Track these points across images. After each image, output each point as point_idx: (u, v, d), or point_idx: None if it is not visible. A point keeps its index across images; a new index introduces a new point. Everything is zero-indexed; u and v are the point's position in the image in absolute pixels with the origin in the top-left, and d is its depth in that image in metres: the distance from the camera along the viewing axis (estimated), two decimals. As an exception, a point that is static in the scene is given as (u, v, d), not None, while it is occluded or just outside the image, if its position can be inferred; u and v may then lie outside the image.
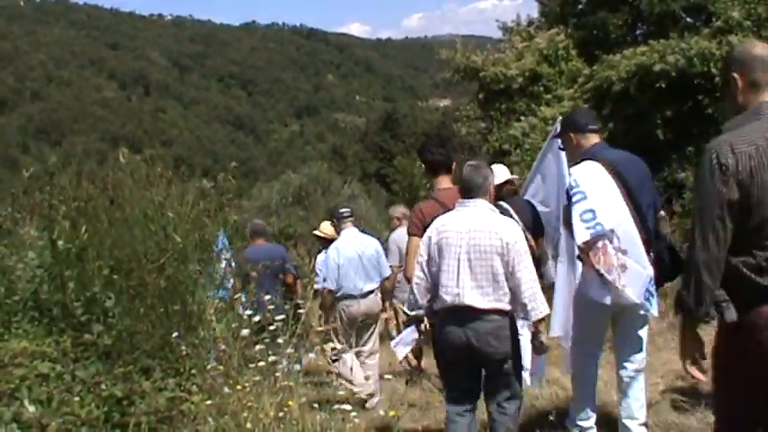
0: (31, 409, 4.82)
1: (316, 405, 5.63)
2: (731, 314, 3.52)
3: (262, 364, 5.61)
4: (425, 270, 5.67)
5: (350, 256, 9.10)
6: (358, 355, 9.10)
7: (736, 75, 3.81)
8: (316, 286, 9.15)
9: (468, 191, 5.66)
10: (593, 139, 5.91)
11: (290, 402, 5.27)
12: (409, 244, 6.45)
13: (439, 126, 64.95)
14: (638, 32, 20.39)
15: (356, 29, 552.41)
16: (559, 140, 6.54)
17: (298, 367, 6.33)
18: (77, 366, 5.53)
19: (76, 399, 5.17)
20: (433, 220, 5.83)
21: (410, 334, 6.21)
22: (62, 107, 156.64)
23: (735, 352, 3.58)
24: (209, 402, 5.45)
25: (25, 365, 5.30)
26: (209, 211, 7.53)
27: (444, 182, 6.65)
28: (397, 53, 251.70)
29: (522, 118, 19.37)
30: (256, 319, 6.13)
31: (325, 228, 10.64)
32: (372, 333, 9.41)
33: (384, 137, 74.74)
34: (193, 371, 5.95)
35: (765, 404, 3.51)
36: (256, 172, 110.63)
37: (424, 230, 5.86)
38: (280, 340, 5.91)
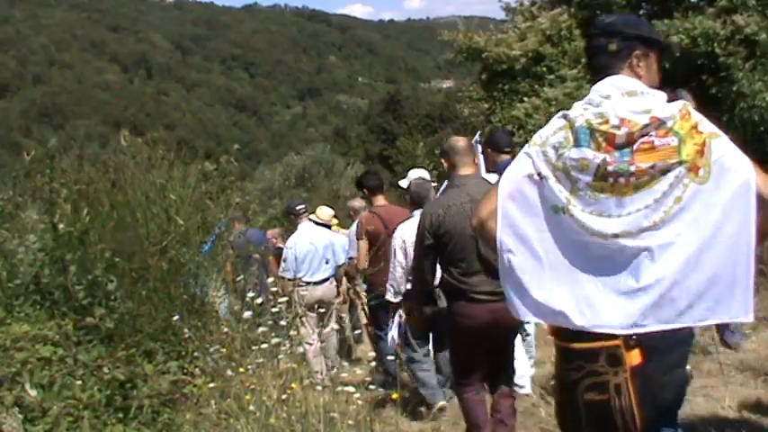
0: (33, 392, 4.82)
1: (319, 387, 5.62)
2: (442, 303, 5.79)
3: (265, 346, 5.60)
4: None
5: (305, 247, 9.87)
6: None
7: (443, 160, 6.00)
8: (280, 274, 9.76)
9: (418, 201, 7.35)
10: (505, 157, 7.32)
11: (294, 384, 5.26)
12: (357, 245, 8.84)
13: (442, 107, 64.95)
14: (641, 12, 20.25)
15: (358, 10, 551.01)
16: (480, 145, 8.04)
17: (301, 349, 6.33)
18: (79, 350, 5.53)
19: (78, 382, 5.17)
20: (371, 228, 8.64)
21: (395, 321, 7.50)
22: (64, 90, 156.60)
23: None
24: (211, 385, 5.46)
25: (27, 349, 5.30)
26: (212, 193, 7.53)
27: (380, 200, 9.04)
28: (399, 34, 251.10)
29: (526, 99, 19.31)
30: (259, 300, 6.14)
31: (323, 213, 10.86)
32: (330, 317, 10.26)
33: (387, 118, 74.71)
34: (196, 354, 5.94)
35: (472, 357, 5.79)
36: (259, 154, 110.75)
37: (366, 234, 8.67)
38: (283, 323, 5.92)
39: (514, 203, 3.24)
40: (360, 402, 5.23)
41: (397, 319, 7.45)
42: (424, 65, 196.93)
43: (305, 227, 10.23)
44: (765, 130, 13.95)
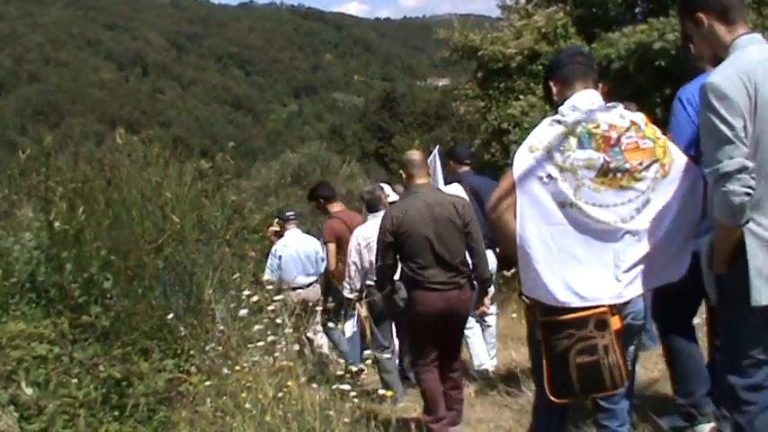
0: (29, 391, 4.82)
1: (315, 385, 5.62)
2: (402, 294, 6.51)
3: (261, 344, 5.60)
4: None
5: (291, 252, 10.35)
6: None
7: (401, 171, 6.93)
8: (265, 277, 9.86)
9: (371, 206, 8.53)
10: (465, 168, 8.76)
11: (290, 382, 5.26)
12: (327, 248, 9.67)
13: (437, 105, 64.93)
14: (637, 10, 20.25)
15: (354, 8, 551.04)
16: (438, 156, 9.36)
17: (296, 347, 6.34)
18: (75, 348, 5.53)
19: (74, 380, 5.17)
20: (340, 231, 9.40)
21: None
22: (60, 89, 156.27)
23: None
24: (207, 383, 5.45)
25: (23, 347, 5.30)
26: (208, 191, 7.52)
27: (336, 207, 10.01)
28: (395, 32, 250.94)
29: (521, 97, 19.28)
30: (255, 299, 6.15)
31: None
32: (314, 319, 10.31)
33: (383, 116, 74.70)
34: (192, 352, 5.94)
35: (427, 340, 6.61)
36: (255, 152, 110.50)
37: (335, 237, 9.46)
38: (278, 320, 5.92)
39: (528, 202, 3.83)
40: (356, 400, 5.24)
41: (356, 314, 8.91)
42: (419, 63, 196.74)
43: (293, 233, 10.74)
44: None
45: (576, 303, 3.78)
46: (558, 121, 3.92)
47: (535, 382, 4.39)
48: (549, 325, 3.83)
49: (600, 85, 4.19)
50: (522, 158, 3.90)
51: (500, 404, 7.19)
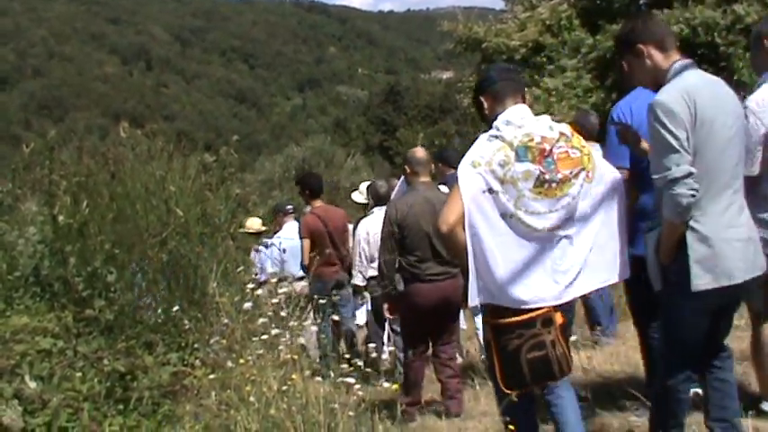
0: (33, 385, 4.81)
1: (319, 378, 5.62)
2: (400, 286, 7.07)
3: (265, 337, 5.60)
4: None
5: (294, 245, 10.35)
6: None
7: (406, 167, 7.41)
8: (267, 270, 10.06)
9: (377, 199, 9.24)
10: (453, 171, 8.54)
11: (294, 375, 5.25)
12: (302, 243, 9.95)
13: (442, 98, 64.88)
14: (641, 2, 20.22)
15: (358, 1, 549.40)
16: None
17: (301, 340, 6.35)
18: (79, 342, 5.52)
19: (78, 374, 5.16)
20: (315, 228, 9.82)
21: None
22: (64, 83, 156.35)
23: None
24: (212, 376, 5.45)
25: (27, 341, 5.29)
26: (212, 184, 7.52)
27: (318, 202, 10.22)
28: (399, 25, 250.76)
29: (525, 89, 19.28)
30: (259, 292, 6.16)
31: (253, 223, 11.66)
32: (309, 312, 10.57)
33: (387, 109, 74.71)
34: (196, 345, 5.94)
35: (421, 329, 7.19)
36: (259, 146, 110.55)
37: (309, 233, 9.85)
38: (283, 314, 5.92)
39: (475, 214, 4.13)
40: (360, 393, 5.24)
41: (367, 301, 9.48)
42: (423, 56, 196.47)
43: (291, 225, 11.09)
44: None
45: (523, 306, 4.16)
46: (496, 136, 4.24)
47: (489, 376, 4.92)
48: (499, 327, 4.23)
49: (527, 98, 4.61)
50: (466, 174, 4.19)
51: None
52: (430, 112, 65.29)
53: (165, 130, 9.99)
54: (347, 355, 6.18)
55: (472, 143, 4.35)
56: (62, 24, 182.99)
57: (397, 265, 7.12)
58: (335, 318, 9.30)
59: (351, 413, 4.95)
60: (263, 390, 5.03)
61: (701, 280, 4.05)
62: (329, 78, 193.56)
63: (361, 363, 5.79)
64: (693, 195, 3.93)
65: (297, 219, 11.31)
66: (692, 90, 4.05)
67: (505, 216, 4.15)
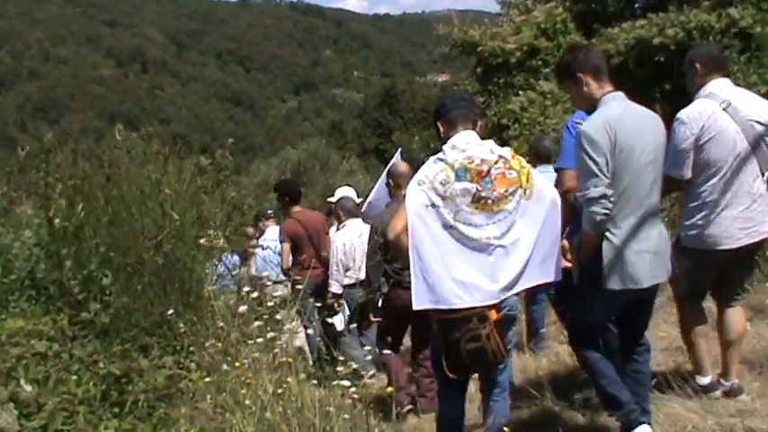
0: (28, 388, 4.81)
1: (315, 381, 5.63)
2: (385, 288, 7.46)
3: (260, 340, 5.60)
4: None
5: (267, 250, 10.78)
6: None
7: (389, 180, 8.00)
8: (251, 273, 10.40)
9: (348, 213, 9.80)
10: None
11: (290, 379, 5.26)
12: (282, 248, 10.32)
13: (437, 101, 64.91)
14: (636, 6, 20.27)
15: (353, 4, 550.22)
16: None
17: (297, 343, 6.36)
18: (75, 345, 5.52)
19: (74, 377, 5.16)
20: (295, 232, 10.20)
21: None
22: (59, 85, 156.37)
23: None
24: (207, 379, 5.45)
25: (22, 344, 5.29)
26: (207, 187, 7.52)
27: (297, 208, 10.58)
28: (394, 28, 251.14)
29: (521, 92, 19.29)
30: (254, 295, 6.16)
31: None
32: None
33: (382, 112, 74.72)
34: (192, 348, 5.94)
35: (399, 332, 7.89)
36: (254, 148, 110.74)
37: (289, 238, 10.21)
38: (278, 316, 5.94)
39: (418, 225, 4.79)
40: (355, 396, 5.25)
41: (344, 308, 9.75)
42: (419, 59, 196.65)
43: (272, 230, 11.41)
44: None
45: (461, 306, 4.78)
46: (441, 159, 4.90)
47: (434, 364, 5.41)
48: (442, 321, 4.87)
49: (478, 122, 5.23)
50: (413, 191, 4.88)
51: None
52: (426, 116, 65.06)
53: (160, 132, 9.98)
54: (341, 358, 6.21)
55: None
56: (58, 26, 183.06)
57: (383, 271, 7.58)
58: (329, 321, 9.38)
59: (346, 416, 4.96)
60: (259, 393, 5.03)
61: (611, 282, 4.85)
62: (325, 81, 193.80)
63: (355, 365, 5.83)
64: (606, 214, 4.71)
65: (278, 223, 11.67)
66: (613, 121, 4.79)
67: (446, 227, 4.80)
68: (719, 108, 5.53)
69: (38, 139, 7.40)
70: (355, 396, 5.24)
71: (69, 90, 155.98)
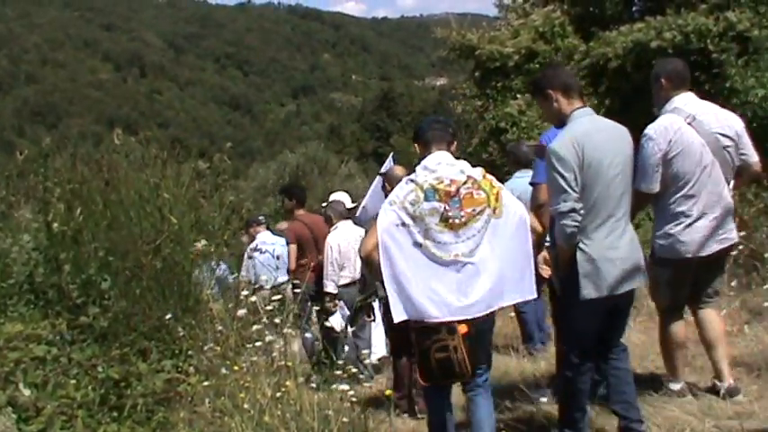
0: (27, 392, 4.82)
1: (313, 384, 5.63)
2: (381, 291, 6.20)
3: (259, 344, 5.61)
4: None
5: (282, 251, 10.90)
6: None
7: (386, 184, 7.73)
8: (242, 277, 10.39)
9: (340, 216, 10.01)
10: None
11: (288, 382, 5.27)
12: (289, 249, 10.58)
13: (435, 105, 64.90)
14: (634, 9, 20.30)
15: (351, 7, 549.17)
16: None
17: (296, 347, 6.36)
18: (73, 349, 5.53)
19: (72, 381, 5.17)
20: (302, 234, 10.51)
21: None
22: (57, 89, 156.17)
23: None
24: (206, 383, 5.46)
25: (21, 349, 5.30)
26: (205, 192, 7.52)
27: (301, 211, 11.00)
28: (392, 32, 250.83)
29: (519, 96, 19.30)
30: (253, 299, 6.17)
31: None
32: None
33: (381, 116, 74.89)
34: (190, 352, 5.94)
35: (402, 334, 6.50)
36: (253, 152, 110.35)
37: (296, 238, 10.48)
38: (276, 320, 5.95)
39: (389, 242, 4.97)
40: (354, 400, 5.26)
41: (342, 306, 9.72)
42: (417, 62, 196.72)
43: (264, 234, 11.50)
44: (758, 126, 13.95)
45: (430, 321, 4.92)
46: (412, 180, 5.07)
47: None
48: (417, 330, 5.02)
49: (454, 143, 5.40)
50: (384, 210, 5.08)
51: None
52: (424, 119, 65.27)
53: (158, 136, 10.02)
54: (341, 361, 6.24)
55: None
56: (55, 31, 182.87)
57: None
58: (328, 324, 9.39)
59: (344, 419, 4.97)
60: (258, 397, 5.04)
61: (588, 290, 5.04)
62: (323, 85, 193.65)
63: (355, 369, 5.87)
64: (576, 226, 4.96)
65: (269, 228, 11.82)
66: (581, 137, 5.02)
67: (416, 245, 4.98)
68: (685, 122, 5.78)
69: (36, 144, 7.40)
70: (353, 399, 5.26)
71: (67, 94, 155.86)
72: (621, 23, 18.33)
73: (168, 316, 6.06)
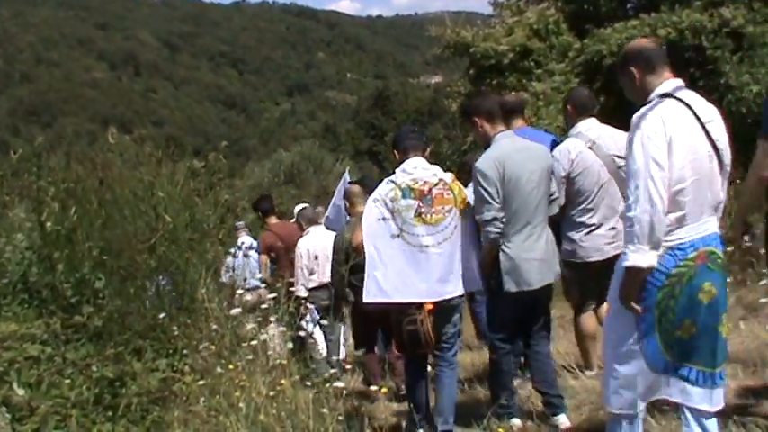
0: (21, 391, 4.80)
1: (308, 383, 5.63)
2: (350, 297, 7.87)
3: (254, 342, 5.60)
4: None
5: (253, 256, 11.10)
6: None
7: (346, 201, 8.40)
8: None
9: (309, 221, 10.31)
10: None
11: (283, 381, 5.26)
12: (259, 259, 11.03)
13: (430, 103, 64.91)
14: (628, 6, 20.26)
15: (346, 6, 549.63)
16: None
17: (290, 345, 6.35)
18: (68, 348, 5.52)
19: (67, 381, 5.16)
20: (272, 244, 10.92)
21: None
22: (52, 89, 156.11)
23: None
24: (201, 382, 5.45)
25: (15, 348, 5.28)
26: (200, 190, 7.52)
27: (272, 220, 11.41)
28: (387, 30, 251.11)
29: (513, 93, 19.27)
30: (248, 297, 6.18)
31: None
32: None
33: (375, 114, 74.74)
34: (185, 351, 5.94)
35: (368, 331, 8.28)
36: (248, 151, 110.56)
37: (266, 249, 10.97)
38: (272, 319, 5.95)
39: (372, 234, 5.82)
40: (349, 397, 5.26)
41: (312, 309, 9.91)
42: (412, 60, 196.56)
43: (245, 239, 11.89)
44: (753, 122, 13.96)
45: (400, 300, 5.77)
46: (392, 181, 5.89)
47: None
48: (393, 306, 5.82)
49: (428, 150, 6.18)
50: (370, 206, 5.92)
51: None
52: (419, 117, 65.17)
53: (153, 135, 10.00)
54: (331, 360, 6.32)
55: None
56: (50, 30, 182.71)
57: (346, 281, 8.06)
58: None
59: (340, 417, 4.96)
60: (253, 395, 5.03)
61: (509, 285, 5.82)
62: (318, 83, 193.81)
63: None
64: (498, 232, 5.74)
65: (249, 232, 12.26)
66: (501, 157, 5.80)
67: (394, 236, 5.78)
68: (585, 147, 6.61)
69: (30, 143, 7.37)
70: (349, 397, 5.25)
71: (62, 93, 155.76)
72: (616, 20, 18.31)
73: (162, 315, 6.05)
